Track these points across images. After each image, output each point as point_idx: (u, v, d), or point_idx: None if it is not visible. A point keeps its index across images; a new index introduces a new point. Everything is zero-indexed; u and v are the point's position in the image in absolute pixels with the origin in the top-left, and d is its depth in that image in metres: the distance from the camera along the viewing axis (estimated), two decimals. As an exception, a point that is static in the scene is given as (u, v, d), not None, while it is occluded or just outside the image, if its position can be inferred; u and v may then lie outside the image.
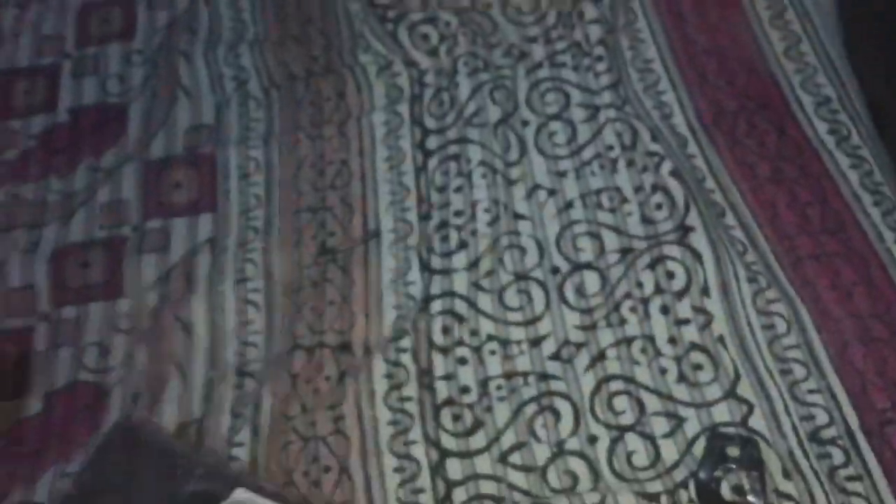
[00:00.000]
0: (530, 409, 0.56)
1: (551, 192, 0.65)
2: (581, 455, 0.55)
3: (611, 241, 0.62)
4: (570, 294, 0.61)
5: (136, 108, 0.73)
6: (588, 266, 0.61)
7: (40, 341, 0.62)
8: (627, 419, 0.56)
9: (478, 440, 0.56)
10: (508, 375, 0.58)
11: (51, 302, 0.64)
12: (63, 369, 0.61)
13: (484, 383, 0.58)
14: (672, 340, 0.58)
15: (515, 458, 0.55)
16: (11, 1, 0.83)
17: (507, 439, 0.56)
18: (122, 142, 0.71)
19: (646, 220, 0.62)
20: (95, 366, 0.61)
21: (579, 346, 0.59)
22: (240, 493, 0.53)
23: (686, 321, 0.58)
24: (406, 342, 0.59)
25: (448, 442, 0.56)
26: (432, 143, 0.68)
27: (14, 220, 0.68)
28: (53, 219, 0.68)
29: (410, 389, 0.58)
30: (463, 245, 0.62)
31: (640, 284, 0.60)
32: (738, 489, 0.52)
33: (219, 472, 0.55)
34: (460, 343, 0.59)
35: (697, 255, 0.60)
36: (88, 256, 0.66)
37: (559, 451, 0.55)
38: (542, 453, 0.55)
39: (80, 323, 0.63)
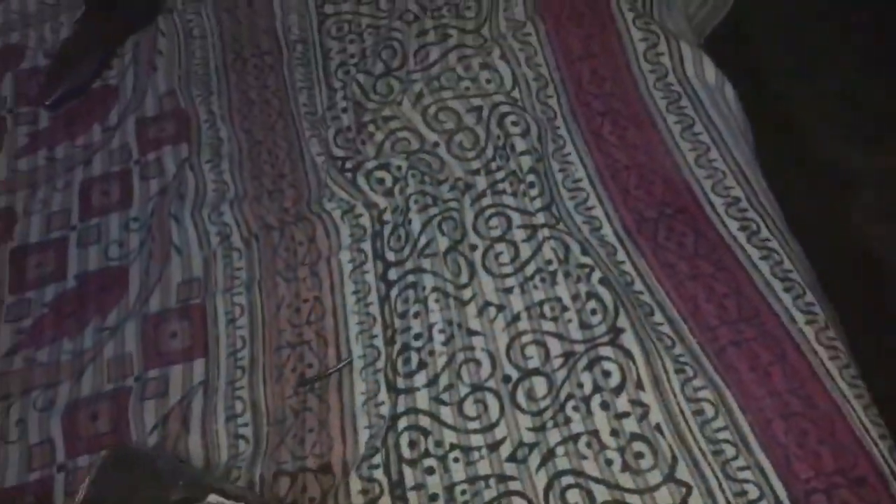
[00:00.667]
0: (491, 510, 0.61)
1: (500, 308, 0.70)
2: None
3: (554, 346, 0.66)
4: (521, 399, 0.65)
5: (134, 268, 0.80)
6: (536, 372, 0.65)
7: (59, 490, 0.68)
8: (580, 511, 0.60)
9: (448, 545, 0.60)
10: (471, 480, 0.62)
11: (67, 453, 0.70)
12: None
13: (450, 489, 0.62)
14: (614, 433, 0.61)
15: (481, 558, 0.59)
16: (24, 183, 0.92)
17: (474, 542, 0.60)
18: (123, 301, 0.78)
19: (583, 325, 0.66)
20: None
21: (532, 446, 0.62)
22: (213, 497, 0.60)
23: (625, 414, 0.62)
24: (377, 458, 0.63)
25: (419, 549, 0.60)
26: (393, 274, 0.73)
27: (32, 383, 0.74)
28: (66, 378, 0.74)
29: (385, 502, 0.63)
30: (422, 365, 0.67)
31: (580, 385, 0.64)
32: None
33: (196, 482, 0.61)
34: (426, 454, 0.63)
35: (629, 354, 0.64)
36: (98, 409, 0.71)
37: (519, 549, 0.59)
38: (502, 554, 0.59)
39: (92, 469, 0.69)
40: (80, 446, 0.69)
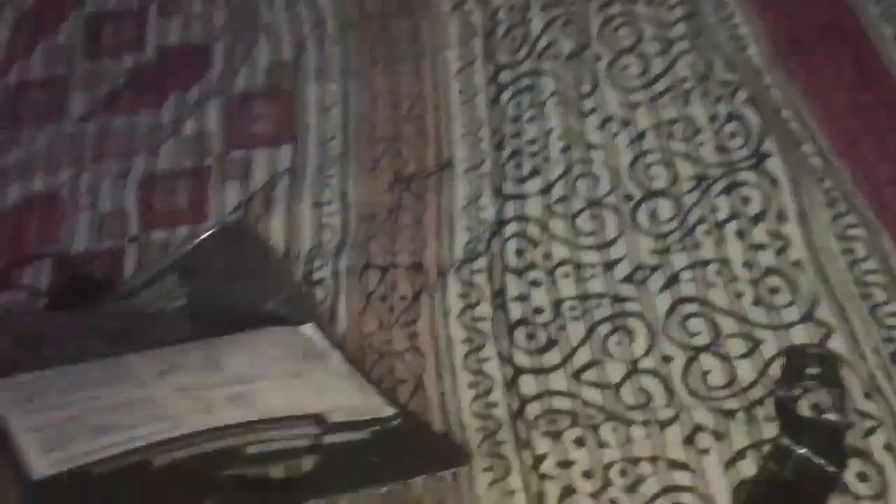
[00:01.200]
0: (604, 328, 0.53)
1: (624, 123, 0.61)
2: (655, 373, 0.51)
3: (684, 168, 0.58)
4: (643, 220, 0.57)
5: (218, 46, 0.72)
6: (661, 193, 0.57)
7: (130, 261, 0.62)
8: (702, 340, 0.51)
9: (552, 357, 0.53)
10: (582, 297, 0.55)
11: (140, 225, 0.63)
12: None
13: (557, 304, 0.55)
14: (748, 264, 0.53)
15: (589, 375, 0.52)
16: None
17: (581, 357, 0.52)
18: (206, 79, 0.70)
19: (720, 149, 0.58)
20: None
21: (653, 268, 0.55)
22: (308, 328, 0.52)
23: (762, 246, 0.54)
24: (480, 263, 0.56)
25: (521, 359, 0.53)
26: (506, 76, 0.64)
27: (106, 150, 0.67)
28: (142, 150, 0.67)
29: (484, 309, 0.56)
30: (536, 172, 0.59)
31: (714, 209, 0.56)
32: (817, 407, 0.49)
33: (300, 303, 0.54)
34: (533, 266, 0.56)
35: (774, 181, 0.56)
36: (175, 184, 0.65)
37: (633, 369, 0.52)
38: (615, 371, 0.52)
39: (167, 245, 0.62)
40: (155, 220, 0.62)
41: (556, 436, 0.50)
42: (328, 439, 0.44)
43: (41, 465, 0.37)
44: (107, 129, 0.68)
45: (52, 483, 0.37)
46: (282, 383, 0.49)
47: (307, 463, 0.43)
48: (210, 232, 0.57)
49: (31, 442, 0.38)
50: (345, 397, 0.49)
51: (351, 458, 0.44)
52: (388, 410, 0.48)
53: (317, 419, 0.46)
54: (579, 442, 0.49)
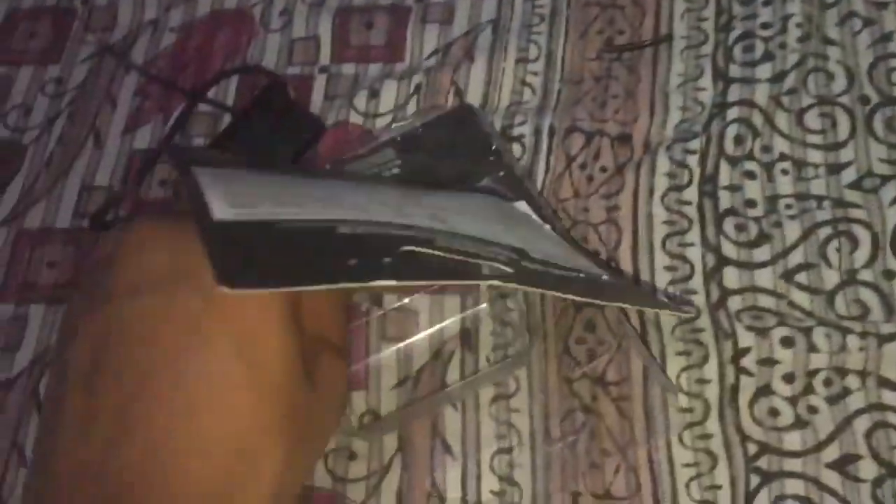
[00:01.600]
0: (824, 231, 0.50)
1: (867, 22, 0.56)
2: (875, 287, 0.48)
3: (931, 79, 0.55)
4: (878, 126, 0.52)
5: None
6: (902, 101, 0.55)
7: (318, 90, 0.60)
8: (931, 261, 0.49)
9: (761, 253, 0.50)
10: (801, 197, 0.51)
11: (332, 56, 0.61)
12: (333, 115, 0.58)
13: (773, 199, 0.51)
14: None
15: (801, 277, 0.49)
16: None
17: (795, 258, 0.49)
18: (412, -83, 0.69)
19: (979, 60, 0.54)
20: (365, 110, 0.57)
21: (885, 178, 0.50)
22: (522, 205, 0.50)
23: None
24: (694, 144, 0.52)
25: (728, 249, 0.50)
26: (739, -45, 0.61)
27: (302, -25, 0.66)
28: (339, -22, 0.66)
29: (691, 193, 0.52)
30: (769, 57, 0.54)
31: (966, 125, 0.53)
32: None
33: (516, 183, 0.52)
34: (750, 156, 0.52)
35: None
36: (373, 18, 0.62)
37: (850, 279, 0.48)
38: (831, 278, 0.48)
39: (357, 80, 0.60)
40: (348, 53, 0.59)
41: (762, 332, 0.47)
42: (526, 265, 0.42)
43: (224, 210, 0.35)
44: (305, -46, 0.66)
45: (232, 226, 0.35)
46: (484, 222, 0.46)
47: (501, 268, 0.40)
48: (438, 113, 0.55)
49: (215, 195, 0.36)
50: (551, 249, 0.47)
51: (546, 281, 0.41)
52: (599, 270, 0.46)
53: (517, 251, 0.43)
54: (787, 342, 0.46)
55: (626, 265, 0.50)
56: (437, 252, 0.39)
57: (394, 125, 0.57)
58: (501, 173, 0.53)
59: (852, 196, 0.50)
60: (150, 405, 0.34)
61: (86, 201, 0.57)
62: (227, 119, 0.59)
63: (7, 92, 0.61)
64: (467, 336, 0.50)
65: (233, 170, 0.43)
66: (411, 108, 0.57)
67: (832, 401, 0.45)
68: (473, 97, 0.57)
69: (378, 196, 0.46)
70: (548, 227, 0.51)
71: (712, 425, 0.46)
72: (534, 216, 0.51)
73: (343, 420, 0.45)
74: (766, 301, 0.48)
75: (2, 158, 0.59)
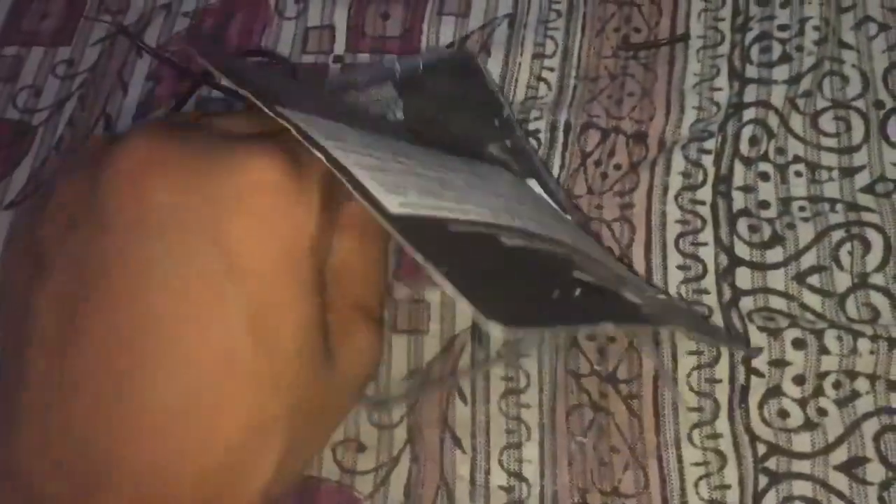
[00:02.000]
0: (837, 234, 0.50)
1: (883, 27, 0.56)
2: (886, 291, 0.48)
3: (946, 86, 0.55)
4: (892, 131, 0.53)
5: None
6: (916, 107, 0.55)
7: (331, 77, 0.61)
8: (943, 267, 0.50)
9: (774, 255, 0.50)
10: (814, 199, 0.51)
11: (347, 45, 0.61)
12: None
13: (786, 201, 0.51)
14: None
15: (814, 279, 0.49)
16: None
17: (807, 260, 0.50)
18: None
19: None
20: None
21: (898, 183, 0.52)
22: (533, 184, 0.49)
23: None
24: (710, 144, 0.53)
25: (741, 250, 0.50)
26: (757, -43, 0.62)
27: (318, -36, 0.66)
28: (355, -31, 0.66)
29: (705, 193, 0.53)
30: (786, 58, 0.54)
31: (980, 133, 0.53)
32: None
33: (523, 155, 0.50)
34: (765, 157, 0.52)
35: None
36: (388, 8, 0.62)
37: (862, 282, 0.48)
38: (843, 281, 0.49)
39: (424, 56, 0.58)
40: (364, 43, 0.59)
41: (774, 333, 0.47)
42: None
43: (390, 202, 0.31)
44: (321, -58, 0.66)
45: (412, 221, 0.31)
46: (536, 213, 0.45)
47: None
48: (439, 55, 0.55)
49: (364, 176, 0.31)
50: (593, 250, 0.46)
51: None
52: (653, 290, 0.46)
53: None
54: (799, 344, 0.47)
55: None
56: (590, 279, 0.36)
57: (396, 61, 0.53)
58: (509, 142, 0.51)
59: (865, 200, 0.51)
60: (145, 381, 0.29)
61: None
62: (239, 107, 0.59)
63: (17, 73, 0.61)
64: (478, 329, 0.50)
65: (307, 113, 0.36)
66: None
67: (841, 403, 0.46)
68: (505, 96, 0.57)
69: (452, 168, 0.42)
70: (568, 216, 0.50)
71: (722, 425, 0.46)
72: (549, 200, 0.49)
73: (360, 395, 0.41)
74: (777, 302, 0.48)
75: (11, 140, 0.59)
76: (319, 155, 0.32)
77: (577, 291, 0.36)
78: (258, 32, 0.62)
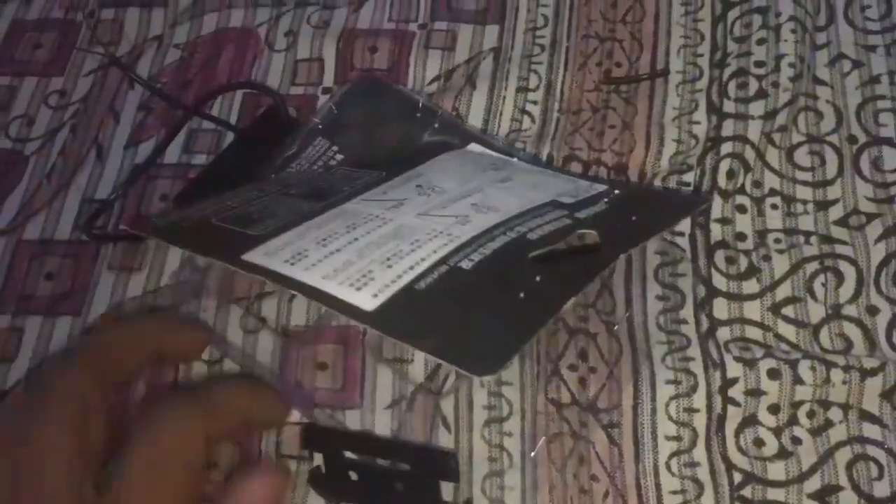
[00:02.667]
0: (811, 266, 0.51)
1: (857, 64, 0.58)
2: (858, 322, 0.50)
3: (917, 121, 0.57)
4: (864, 166, 0.54)
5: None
6: (889, 142, 0.55)
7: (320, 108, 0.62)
8: (914, 299, 0.51)
9: (750, 286, 0.51)
10: (789, 232, 0.53)
11: (336, 77, 0.62)
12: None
13: (762, 234, 0.53)
14: (976, 230, 0.52)
15: (788, 310, 0.50)
16: None
17: (783, 291, 0.51)
18: (416, -56, 0.70)
19: (961, 107, 0.56)
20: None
21: (871, 216, 0.53)
22: (474, 146, 0.53)
23: None
24: (689, 177, 0.54)
25: (718, 281, 0.52)
26: (735, -6, 0.63)
27: (307, -2, 0.68)
28: (343, 4, 0.65)
29: (684, 225, 0.54)
30: (762, 94, 0.56)
31: (949, 167, 0.55)
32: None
33: (455, 127, 0.55)
34: (741, 191, 0.54)
35: None
36: (376, 42, 0.63)
37: (835, 313, 0.50)
38: (817, 312, 0.50)
39: (338, 91, 0.60)
40: (352, 75, 0.61)
41: (750, 363, 0.48)
42: (578, 215, 0.45)
43: (364, 300, 0.38)
44: (310, -24, 0.67)
45: (388, 307, 0.38)
46: (498, 188, 0.49)
47: (590, 237, 0.43)
48: (345, 89, 0.58)
49: (334, 288, 0.39)
50: (557, 185, 0.50)
51: (610, 224, 0.45)
52: (601, 186, 0.50)
53: (554, 204, 0.47)
54: (774, 374, 0.48)
55: (618, 293, 0.52)
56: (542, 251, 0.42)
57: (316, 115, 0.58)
58: (437, 125, 0.55)
59: (839, 233, 0.52)
60: None
61: (86, 214, 0.58)
62: (230, 137, 0.60)
63: (10, 102, 0.62)
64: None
65: (279, 238, 0.45)
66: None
67: (815, 432, 0.47)
68: (474, 123, 0.59)
69: (394, 197, 0.48)
70: (514, 159, 0.53)
71: (699, 454, 0.47)
72: (493, 153, 0.54)
73: None
74: (754, 333, 0.50)
75: (4, 169, 0.60)
76: (295, 292, 0.41)
77: (538, 278, 0.41)
78: (249, 64, 0.64)
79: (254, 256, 0.43)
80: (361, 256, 0.43)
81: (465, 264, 0.41)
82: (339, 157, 0.56)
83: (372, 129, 0.57)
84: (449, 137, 0.55)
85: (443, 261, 0.41)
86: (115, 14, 0.66)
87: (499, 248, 0.43)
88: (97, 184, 0.59)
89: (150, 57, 0.64)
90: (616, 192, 0.50)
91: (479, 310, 0.40)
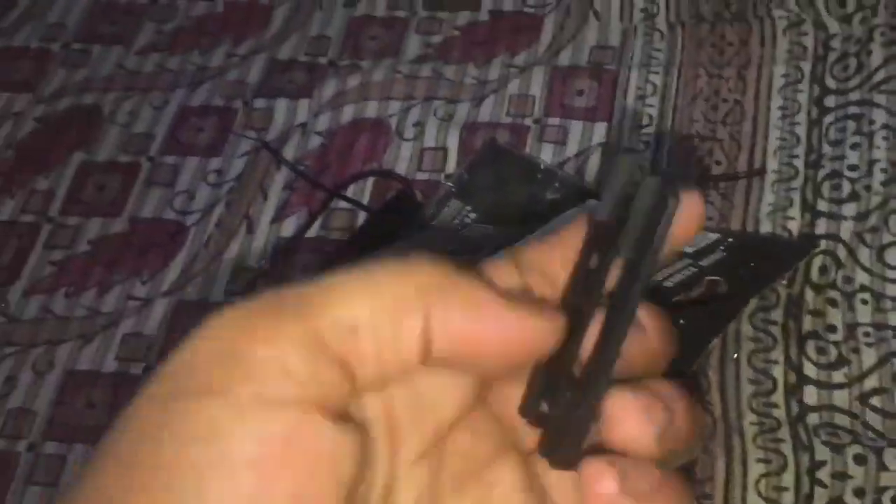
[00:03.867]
0: (898, 360, 0.56)
1: (948, 170, 0.63)
2: (944, 416, 0.54)
3: None
4: (954, 267, 0.59)
5: (549, 20, 0.78)
6: (977, 245, 0.60)
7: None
8: None
9: (839, 376, 0.55)
10: (878, 326, 0.57)
11: (457, 164, 0.69)
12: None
13: (852, 327, 0.57)
14: None
15: (875, 400, 0.54)
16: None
17: (870, 382, 0.55)
18: (534, 47, 0.75)
19: None
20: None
21: (958, 316, 0.57)
22: (591, 202, 0.56)
23: None
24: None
25: (809, 370, 0.56)
26: (831, 101, 0.66)
27: (434, 93, 0.73)
28: (466, 98, 0.73)
29: (777, 314, 0.59)
30: (855, 197, 0.61)
31: None
32: None
33: (575, 186, 0.62)
34: (833, 286, 0.59)
35: None
36: (496, 132, 0.70)
37: (921, 405, 0.54)
38: (903, 403, 0.55)
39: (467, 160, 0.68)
40: (472, 163, 0.70)
41: (837, 448, 0.52)
42: (702, 263, 0.51)
43: None
44: (438, 73, 0.74)
45: None
46: None
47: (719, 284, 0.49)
48: (473, 156, 0.66)
49: None
50: None
51: (732, 271, 0.51)
52: (714, 235, 0.55)
53: (677, 255, 0.53)
54: (860, 459, 0.51)
55: (714, 375, 0.56)
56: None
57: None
58: (557, 184, 0.62)
59: (926, 329, 0.56)
60: None
61: (236, 280, 0.66)
62: (362, 216, 0.68)
63: (175, 179, 0.72)
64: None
65: None
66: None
67: (899, 517, 0.50)
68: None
69: None
70: None
71: (787, 530, 0.50)
72: None
73: None
74: (841, 420, 0.53)
75: (168, 238, 0.68)
76: None
77: (681, 321, 0.46)
78: (381, 151, 0.72)
79: None
80: None
81: None
82: (473, 215, 0.63)
83: (500, 189, 0.64)
84: (570, 195, 0.62)
85: None
86: (267, 103, 0.75)
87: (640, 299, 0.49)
88: (247, 253, 0.67)
89: (296, 142, 0.73)
90: (730, 239, 0.54)
91: None
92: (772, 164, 0.65)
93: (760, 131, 0.67)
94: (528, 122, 0.71)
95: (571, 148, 0.69)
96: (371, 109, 0.74)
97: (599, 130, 0.70)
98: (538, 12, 0.79)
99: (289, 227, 0.68)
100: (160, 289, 0.66)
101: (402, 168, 0.71)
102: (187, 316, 0.64)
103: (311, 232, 0.67)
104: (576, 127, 0.70)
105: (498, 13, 0.79)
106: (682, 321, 0.46)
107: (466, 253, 0.56)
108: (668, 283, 0.49)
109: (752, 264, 0.51)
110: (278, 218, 0.69)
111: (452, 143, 0.71)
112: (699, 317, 0.46)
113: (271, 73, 0.77)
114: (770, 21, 0.72)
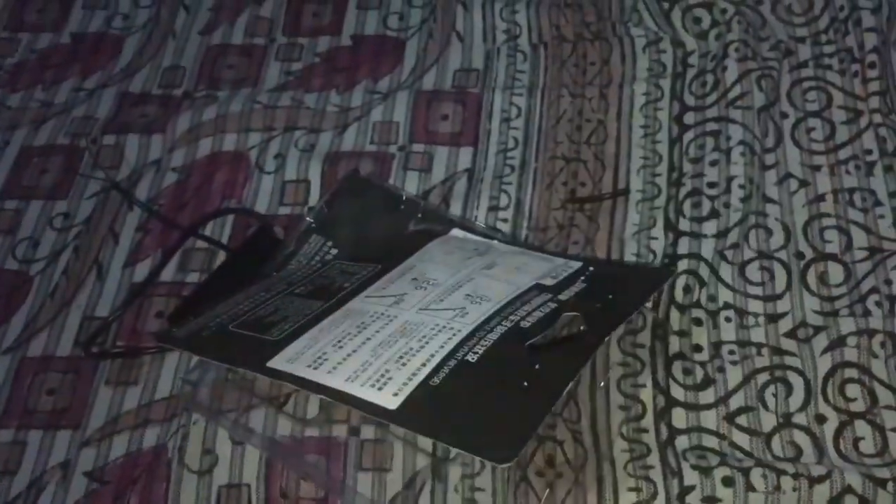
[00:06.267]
0: (762, 377, 0.55)
1: (803, 183, 0.63)
2: (807, 431, 0.54)
3: (859, 238, 0.60)
4: (811, 280, 0.59)
5: (412, 44, 0.76)
6: (833, 257, 0.60)
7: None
8: (858, 407, 0.53)
9: (706, 396, 0.55)
10: (742, 344, 0.57)
11: (320, 197, 0.67)
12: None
13: (717, 345, 0.57)
14: (914, 342, 0.56)
15: (742, 420, 0.54)
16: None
17: (736, 401, 0.55)
18: (397, 71, 0.74)
19: (899, 225, 0.61)
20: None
21: (818, 329, 0.57)
22: (456, 231, 0.60)
23: (932, 327, 0.57)
24: (647, 293, 0.60)
25: (677, 392, 0.55)
26: (690, 118, 0.67)
27: (295, 123, 0.71)
28: (330, 127, 0.71)
29: (644, 337, 0.58)
30: (715, 214, 0.61)
31: (888, 282, 0.58)
32: None
33: (438, 215, 0.62)
34: (697, 305, 0.59)
35: (954, 266, 0.58)
36: (359, 164, 0.68)
37: (786, 422, 0.54)
38: (768, 421, 0.54)
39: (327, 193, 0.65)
40: (335, 195, 0.68)
41: (705, 471, 0.52)
42: (561, 297, 0.51)
43: (386, 399, 0.44)
44: (299, 102, 0.72)
45: (408, 405, 0.44)
46: (486, 275, 0.54)
47: (576, 321, 0.49)
48: (333, 189, 0.64)
49: (357, 389, 0.45)
50: (537, 266, 0.55)
51: (590, 305, 0.51)
52: (576, 264, 0.55)
53: (538, 288, 0.53)
54: (728, 482, 0.51)
55: (583, 404, 0.55)
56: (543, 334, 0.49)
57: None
58: (419, 214, 0.61)
59: (788, 344, 0.56)
60: None
61: (86, 331, 0.62)
62: (221, 255, 0.65)
63: (17, 225, 0.67)
64: (437, 467, 0.54)
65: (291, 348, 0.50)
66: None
67: (769, 537, 0.50)
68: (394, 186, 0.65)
69: (391, 292, 0.54)
70: (494, 241, 0.59)
71: (659, 559, 0.50)
72: (473, 237, 0.59)
73: None
74: (709, 441, 0.53)
75: (10, 289, 0.64)
76: (322, 396, 0.47)
77: (537, 366, 0.46)
78: (241, 185, 0.69)
79: (278, 363, 0.49)
80: (376, 356, 0.48)
81: (471, 357, 0.47)
82: (334, 251, 0.61)
83: (361, 223, 0.63)
84: (433, 225, 0.61)
85: (450, 355, 0.47)
86: (117, 139, 0.71)
87: (497, 339, 0.48)
88: (97, 302, 0.63)
89: (149, 179, 0.69)
90: (590, 269, 0.55)
91: (490, 401, 0.46)
92: (636, 184, 0.65)
93: (623, 150, 0.67)
94: (392, 149, 0.69)
95: (437, 174, 0.68)
96: (229, 142, 0.71)
97: (465, 156, 0.69)
98: (401, 35, 0.78)
99: (143, 272, 0.64)
100: (2, 345, 0.62)
101: (263, 202, 0.68)
102: (32, 374, 0.60)
103: (167, 275, 0.64)
104: (441, 153, 0.69)
105: (359, 38, 0.78)
106: (537, 366, 0.46)
107: (324, 294, 0.54)
108: (526, 323, 0.49)
109: (611, 296, 0.51)
110: (131, 262, 0.65)
111: (315, 174, 0.68)
112: (556, 360, 0.46)
113: (122, 107, 0.74)
114: (629, 39, 0.73)
